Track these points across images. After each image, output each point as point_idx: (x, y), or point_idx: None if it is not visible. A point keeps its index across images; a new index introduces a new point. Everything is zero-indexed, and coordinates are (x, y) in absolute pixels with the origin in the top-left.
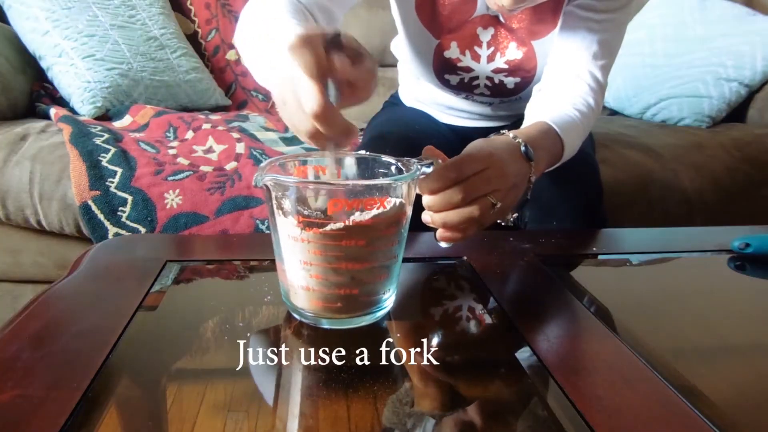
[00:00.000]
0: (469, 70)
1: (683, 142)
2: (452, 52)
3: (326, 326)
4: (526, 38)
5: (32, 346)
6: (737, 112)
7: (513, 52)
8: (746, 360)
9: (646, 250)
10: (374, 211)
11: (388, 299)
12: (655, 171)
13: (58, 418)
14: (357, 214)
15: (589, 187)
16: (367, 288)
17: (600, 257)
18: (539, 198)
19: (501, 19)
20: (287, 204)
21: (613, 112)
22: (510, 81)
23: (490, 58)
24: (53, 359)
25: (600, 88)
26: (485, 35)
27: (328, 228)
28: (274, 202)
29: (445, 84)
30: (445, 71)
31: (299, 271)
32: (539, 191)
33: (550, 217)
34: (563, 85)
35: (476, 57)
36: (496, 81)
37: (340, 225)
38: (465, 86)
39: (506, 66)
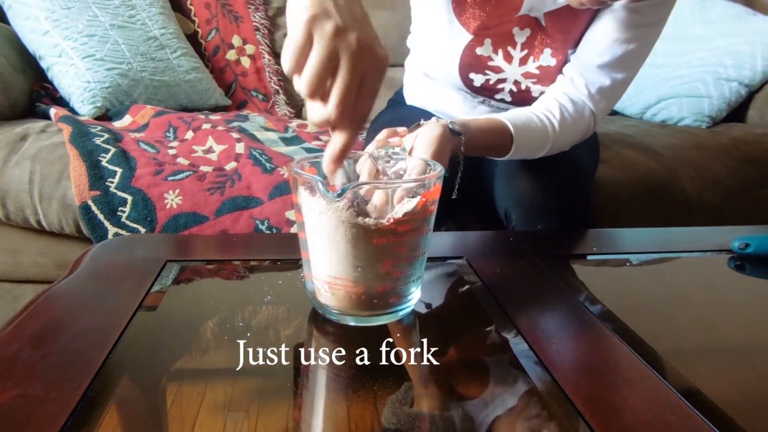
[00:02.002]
0: (498, 70)
1: (683, 142)
2: (485, 49)
3: (352, 323)
4: (563, 47)
5: (32, 346)
6: (737, 112)
7: (547, 59)
8: (746, 360)
9: (646, 250)
10: (411, 204)
11: (415, 296)
12: (655, 171)
13: (58, 418)
14: (395, 209)
15: (573, 192)
16: (400, 283)
17: (600, 257)
18: (523, 201)
19: (541, 22)
20: (348, 203)
21: (613, 112)
22: (536, 89)
23: (523, 61)
24: (53, 359)
25: (594, 92)
26: (521, 36)
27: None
28: (326, 201)
29: (467, 84)
30: (471, 69)
31: (344, 269)
32: (524, 194)
33: (535, 220)
34: (553, 86)
35: (508, 58)
36: (523, 87)
37: (399, 215)
38: (488, 89)
39: (537, 72)
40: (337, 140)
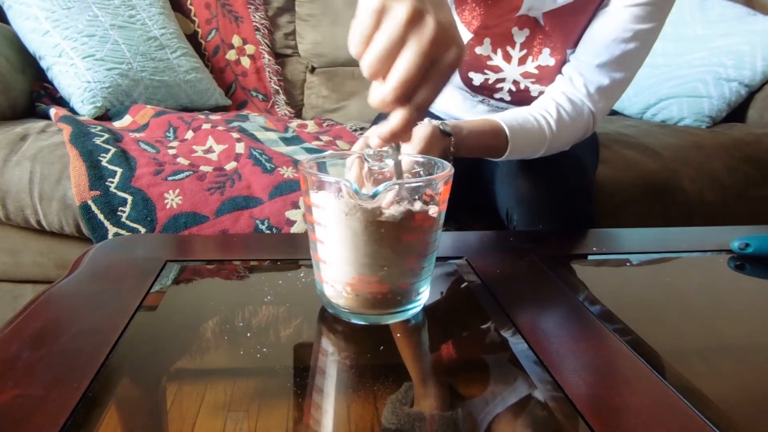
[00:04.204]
0: (497, 69)
1: (683, 142)
2: (484, 48)
3: (364, 323)
4: (561, 47)
5: (32, 346)
6: (737, 112)
7: (546, 59)
8: (746, 360)
9: (646, 250)
10: (421, 203)
11: (425, 294)
12: (655, 171)
13: (58, 418)
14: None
15: (575, 191)
16: (421, 277)
17: (600, 257)
18: (524, 201)
19: (540, 22)
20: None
21: (613, 112)
22: (535, 89)
23: (522, 61)
24: (53, 359)
25: (593, 91)
26: (520, 36)
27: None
28: (346, 198)
29: (466, 83)
30: (470, 68)
31: (370, 269)
32: (525, 194)
33: (537, 219)
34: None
35: (507, 57)
36: (522, 86)
37: (434, 214)
38: (487, 88)
39: (536, 71)
40: (391, 120)
